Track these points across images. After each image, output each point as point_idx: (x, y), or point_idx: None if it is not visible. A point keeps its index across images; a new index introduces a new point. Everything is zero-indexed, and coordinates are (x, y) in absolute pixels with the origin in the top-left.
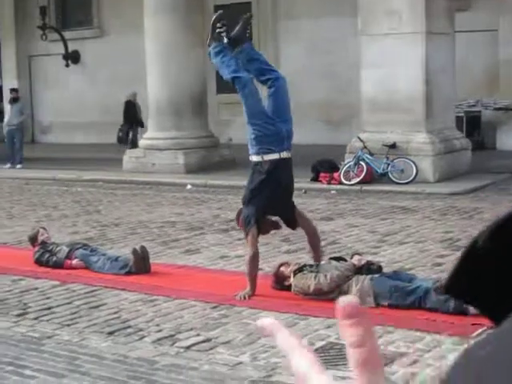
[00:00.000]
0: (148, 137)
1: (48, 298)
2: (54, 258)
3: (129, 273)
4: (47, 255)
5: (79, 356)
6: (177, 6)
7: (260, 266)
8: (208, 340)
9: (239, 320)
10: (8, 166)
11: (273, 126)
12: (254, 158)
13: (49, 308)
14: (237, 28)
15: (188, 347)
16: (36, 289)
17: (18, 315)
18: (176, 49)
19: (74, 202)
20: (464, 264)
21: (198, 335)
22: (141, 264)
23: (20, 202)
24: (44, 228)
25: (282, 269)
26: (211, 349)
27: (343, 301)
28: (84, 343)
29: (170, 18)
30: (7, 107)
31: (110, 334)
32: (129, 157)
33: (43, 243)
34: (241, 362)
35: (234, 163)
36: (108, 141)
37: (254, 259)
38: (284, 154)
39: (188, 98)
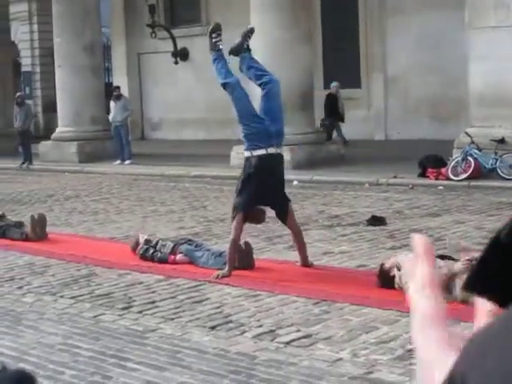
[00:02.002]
0: None
1: (152, 292)
2: (159, 254)
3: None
4: (152, 251)
5: (181, 350)
6: (282, 2)
7: (364, 263)
8: (308, 336)
9: (340, 316)
10: (118, 162)
11: (261, 124)
12: (245, 154)
13: (153, 302)
14: (237, 40)
15: (288, 343)
16: (141, 283)
17: (123, 309)
18: (282, 45)
19: (181, 198)
20: (487, 257)
21: (299, 331)
22: (244, 259)
23: (128, 198)
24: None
25: (385, 266)
26: (311, 345)
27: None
28: (186, 337)
29: (276, 14)
30: (111, 104)
31: (212, 328)
32: (236, 153)
33: (147, 241)
34: (340, 359)
35: (341, 159)
36: (216, 137)
37: (235, 243)
38: (271, 150)
39: (294, 94)
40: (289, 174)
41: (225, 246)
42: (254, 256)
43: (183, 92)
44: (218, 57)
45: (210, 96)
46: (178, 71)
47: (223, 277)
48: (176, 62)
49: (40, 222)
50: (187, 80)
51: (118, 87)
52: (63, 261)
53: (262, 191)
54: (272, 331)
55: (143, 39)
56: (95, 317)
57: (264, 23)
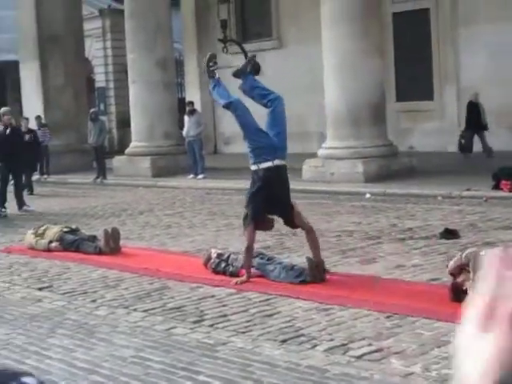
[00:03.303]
0: (327, 146)
1: (224, 306)
2: (231, 268)
3: (304, 281)
4: (224, 265)
5: (252, 363)
6: (354, 15)
7: (437, 276)
8: (380, 350)
9: (412, 330)
10: (191, 176)
11: (266, 138)
12: (252, 167)
13: (224, 315)
14: (242, 64)
15: (360, 356)
16: (213, 296)
17: (195, 322)
18: (353, 58)
19: None
20: None
21: (370, 345)
22: (316, 273)
23: (201, 212)
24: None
25: (458, 280)
26: (383, 358)
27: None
28: (257, 351)
29: (347, 26)
30: (185, 119)
31: (283, 342)
32: (308, 166)
33: (219, 255)
34: (412, 373)
35: (413, 171)
36: (288, 151)
37: (249, 251)
38: (276, 162)
39: (366, 107)
40: (361, 187)
41: (297, 260)
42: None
43: (255, 106)
44: (217, 83)
45: None
46: None
47: (242, 283)
48: None
49: (113, 236)
50: None
51: (192, 102)
52: (136, 274)
53: (270, 201)
54: (344, 345)
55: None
56: (167, 330)
57: (335, 36)
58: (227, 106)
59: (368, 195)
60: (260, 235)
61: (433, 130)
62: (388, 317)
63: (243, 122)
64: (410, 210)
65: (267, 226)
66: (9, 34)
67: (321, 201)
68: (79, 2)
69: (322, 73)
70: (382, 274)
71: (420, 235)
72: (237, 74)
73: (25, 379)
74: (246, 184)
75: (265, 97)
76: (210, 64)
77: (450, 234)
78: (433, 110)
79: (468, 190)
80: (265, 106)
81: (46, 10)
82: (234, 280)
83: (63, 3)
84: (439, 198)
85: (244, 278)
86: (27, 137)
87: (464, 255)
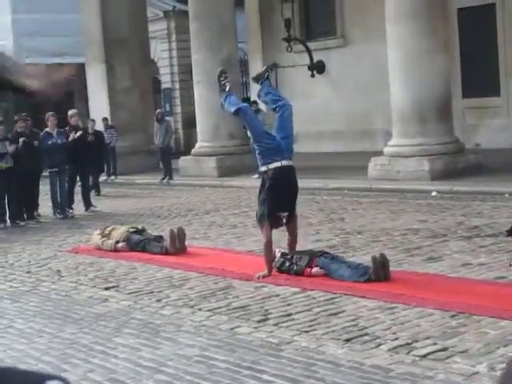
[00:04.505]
0: (392, 144)
1: (288, 305)
2: (295, 267)
3: (368, 280)
4: (288, 264)
5: (316, 362)
6: (418, 12)
7: (503, 274)
8: (445, 349)
9: (477, 329)
10: (256, 176)
11: (273, 140)
12: (262, 169)
13: (289, 314)
14: (261, 69)
15: (424, 356)
16: (277, 295)
17: (259, 321)
18: (419, 55)
19: (318, 210)
20: None
21: (435, 344)
22: (380, 271)
23: None
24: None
25: None
26: (447, 358)
27: None
28: (321, 350)
29: (412, 24)
30: None
31: (347, 341)
32: (374, 164)
33: (283, 254)
34: (477, 372)
35: (480, 169)
36: (354, 149)
37: (268, 247)
38: (284, 162)
39: (432, 104)
40: (427, 185)
41: (362, 259)
42: (391, 268)
43: (320, 105)
44: (228, 95)
45: (348, 108)
46: (315, 84)
47: (264, 277)
48: (312, 75)
49: (179, 236)
50: (324, 93)
51: (256, 102)
52: (201, 274)
53: (280, 199)
54: (408, 344)
55: (279, 53)
56: (231, 329)
57: (400, 33)
58: (236, 113)
59: (434, 193)
60: (326, 234)
61: (499, 126)
62: (453, 316)
63: (252, 126)
64: (476, 207)
65: (279, 222)
66: (74, 37)
67: (387, 199)
68: (144, 5)
69: (386, 70)
70: (447, 273)
71: (486, 233)
72: (256, 79)
73: (53, 382)
74: (309, 183)
75: (276, 102)
76: (221, 78)
77: None
78: (499, 106)
79: None
80: (274, 110)
81: (111, 13)
82: (256, 275)
83: (128, 6)
84: (506, 195)
85: (265, 272)
86: (89, 138)
87: None
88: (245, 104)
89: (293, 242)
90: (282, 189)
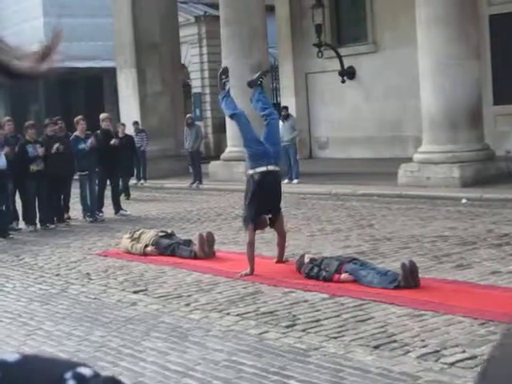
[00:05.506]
0: (423, 150)
1: (317, 311)
2: (324, 273)
3: (397, 287)
4: (317, 269)
5: (343, 368)
6: (449, 18)
7: None
8: (473, 357)
9: None
10: (286, 181)
11: (262, 146)
12: (249, 171)
13: (317, 320)
14: (254, 75)
15: (453, 364)
16: (306, 301)
17: (287, 326)
18: (450, 61)
19: (348, 216)
20: None
21: (464, 352)
22: (409, 278)
23: (296, 217)
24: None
25: None
26: (476, 366)
27: None
28: (349, 356)
29: (443, 29)
30: (280, 124)
31: (376, 347)
32: (404, 171)
33: (312, 260)
34: None
35: (510, 176)
36: (384, 155)
37: (251, 247)
38: (270, 167)
39: (463, 111)
40: (457, 192)
41: (391, 265)
42: (420, 275)
43: (350, 111)
44: (226, 94)
45: (378, 114)
46: (345, 90)
47: (246, 275)
48: (343, 81)
49: (208, 241)
50: (354, 99)
51: (286, 107)
52: (230, 278)
53: (264, 202)
54: (436, 352)
55: (310, 59)
56: (260, 334)
57: (431, 39)
58: (231, 116)
59: (464, 200)
60: (355, 240)
61: None
62: (482, 324)
63: (244, 131)
64: (506, 215)
65: (263, 225)
66: (106, 41)
67: (416, 205)
68: (175, 10)
69: (417, 76)
70: (476, 280)
71: None
72: (250, 84)
73: (80, 369)
74: (342, 189)
75: (264, 110)
76: (223, 77)
77: None
78: None
79: None
80: (262, 117)
81: (142, 18)
82: (241, 273)
83: (160, 11)
84: None
85: (248, 271)
86: (115, 141)
87: None
88: (240, 110)
89: (281, 241)
90: (266, 192)
